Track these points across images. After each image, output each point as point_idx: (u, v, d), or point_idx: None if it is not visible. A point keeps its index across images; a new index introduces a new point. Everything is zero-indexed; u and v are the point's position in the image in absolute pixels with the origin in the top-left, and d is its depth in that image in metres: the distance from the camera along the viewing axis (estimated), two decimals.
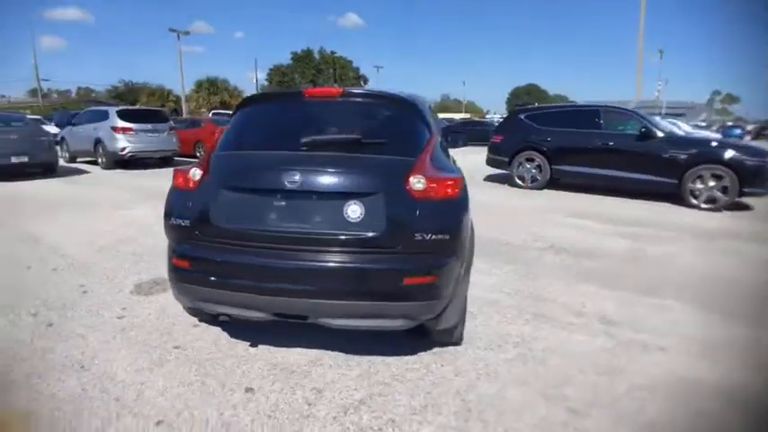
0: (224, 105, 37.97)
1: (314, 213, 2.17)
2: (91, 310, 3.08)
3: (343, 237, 2.11)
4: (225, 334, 2.72)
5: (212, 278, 2.18)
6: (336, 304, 2.09)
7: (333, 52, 58.77)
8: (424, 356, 2.53)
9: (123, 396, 2.13)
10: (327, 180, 2.15)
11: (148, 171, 11.07)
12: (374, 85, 53.59)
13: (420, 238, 2.11)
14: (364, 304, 2.08)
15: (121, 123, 10.91)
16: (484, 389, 2.24)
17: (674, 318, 3.09)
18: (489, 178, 10.10)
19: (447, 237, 2.17)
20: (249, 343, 2.63)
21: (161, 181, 6.85)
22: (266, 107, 2.69)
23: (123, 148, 10.83)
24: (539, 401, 2.14)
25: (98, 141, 11.20)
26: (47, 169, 9.89)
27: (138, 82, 45.23)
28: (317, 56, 57.66)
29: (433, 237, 2.13)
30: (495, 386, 2.26)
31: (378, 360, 2.48)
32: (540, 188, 8.74)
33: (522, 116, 9.23)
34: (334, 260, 2.10)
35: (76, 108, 24.29)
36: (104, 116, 11.36)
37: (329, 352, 2.54)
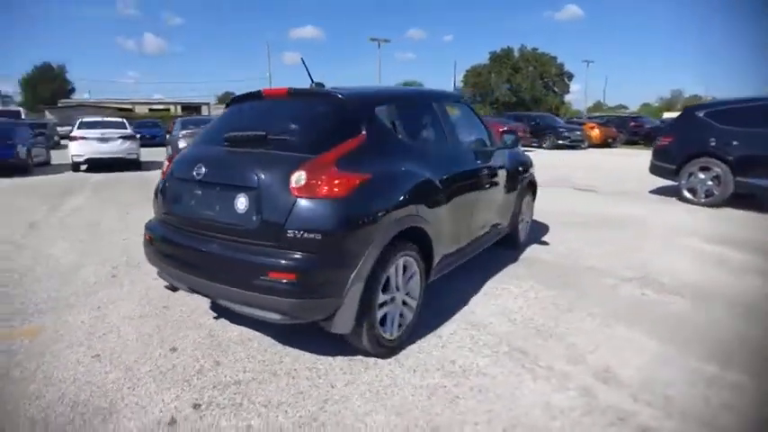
0: None
1: (216, 203, 2.35)
2: None
3: (230, 226, 2.25)
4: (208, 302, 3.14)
5: (160, 252, 2.61)
6: (220, 288, 2.25)
7: (534, 49, 55.72)
8: (338, 362, 2.43)
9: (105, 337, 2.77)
10: (223, 173, 2.32)
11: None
12: (579, 80, 48.46)
13: (291, 235, 2.08)
14: (238, 292, 2.17)
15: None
16: (336, 408, 2.05)
17: None
18: (660, 190, 8.18)
19: (318, 236, 2.06)
20: (216, 315, 3.00)
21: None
22: (237, 107, 2.97)
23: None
24: None
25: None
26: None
27: None
28: (516, 54, 55.59)
29: (305, 235, 2.07)
30: (348, 407, 2.05)
31: (300, 354, 2.50)
32: (716, 205, 6.70)
33: (701, 113, 7.14)
34: (221, 247, 2.26)
35: None
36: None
37: (267, 338, 2.68)
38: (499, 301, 3.27)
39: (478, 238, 3.54)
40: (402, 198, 2.43)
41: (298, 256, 2.09)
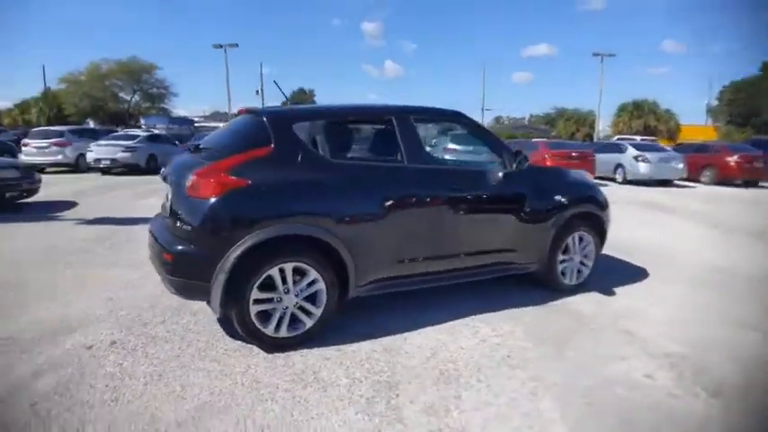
0: (647, 130, 34.79)
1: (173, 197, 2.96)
2: None
3: (165, 215, 2.85)
4: None
5: None
6: (155, 263, 2.85)
7: None
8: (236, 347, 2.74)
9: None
10: (170, 173, 2.91)
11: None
12: None
13: (179, 225, 2.55)
14: (157, 266, 2.75)
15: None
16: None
17: None
18: None
19: (189, 228, 2.46)
20: None
21: None
22: (230, 121, 3.55)
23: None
24: None
25: None
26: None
27: (568, 108, 48.08)
28: None
29: (183, 226, 2.52)
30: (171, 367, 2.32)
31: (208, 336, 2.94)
32: None
33: None
34: (159, 229, 2.87)
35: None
36: None
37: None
38: (450, 337, 2.93)
39: (462, 268, 3.25)
40: (290, 208, 2.61)
41: (178, 242, 2.53)
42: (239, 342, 2.74)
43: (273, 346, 2.67)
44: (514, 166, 3.36)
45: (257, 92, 33.65)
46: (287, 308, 2.66)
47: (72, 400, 2.15)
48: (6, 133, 19.65)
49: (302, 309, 2.71)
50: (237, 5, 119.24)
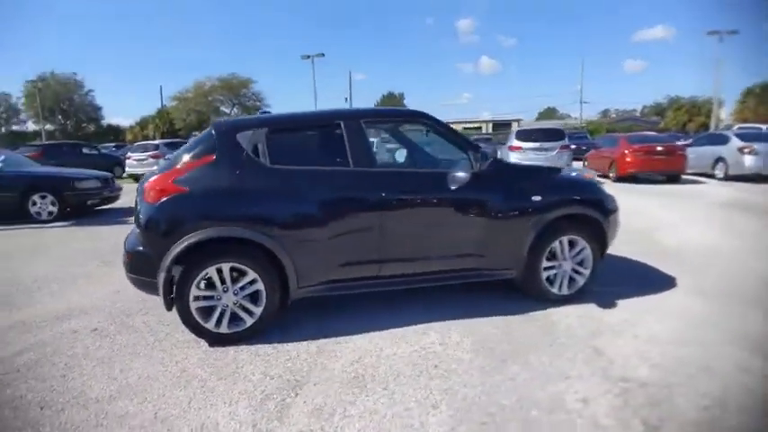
0: None
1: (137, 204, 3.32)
2: None
3: None
4: None
5: None
6: None
7: None
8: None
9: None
10: (140, 183, 3.23)
11: None
12: None
13: (137, 228, 2.89)
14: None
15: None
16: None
17: None
18: None
19: (138, 230, 2.79)
20: None
21: None
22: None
23: None
24: None
25: None
26: None
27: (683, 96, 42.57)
28: None
29: (137, 228, 2.87)
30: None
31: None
32: None
33: None
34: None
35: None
36: None
37: None
38: (390, 343, 2.88)
39: (421, 273, 3.18)
40: (226, 212, 2.80)
41: (135, 244, 2.88)
42: (194, 336, 3.00)
43: (216, 340, 2.88)
44: (479, 166, 3.17)
45: (346, 99, 35.39)
46: (227, 305, 2.85)
47: (32, 373, 2.58)
48: (123, 148, 23.24)
49: (243, 307, 2.88)
50: (326, 15, 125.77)
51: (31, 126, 45.55)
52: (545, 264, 3.39)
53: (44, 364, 2.69)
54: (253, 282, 2.86)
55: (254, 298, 2.90)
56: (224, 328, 2.86)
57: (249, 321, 2.90)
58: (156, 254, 2.76)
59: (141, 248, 2.84)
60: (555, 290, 3.46)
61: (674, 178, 11.66)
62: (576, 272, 3.49)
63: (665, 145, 11.69)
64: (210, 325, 2.84)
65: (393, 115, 3.52)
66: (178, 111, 40.57)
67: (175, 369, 2.60)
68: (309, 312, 3.31)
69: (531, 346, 2.82)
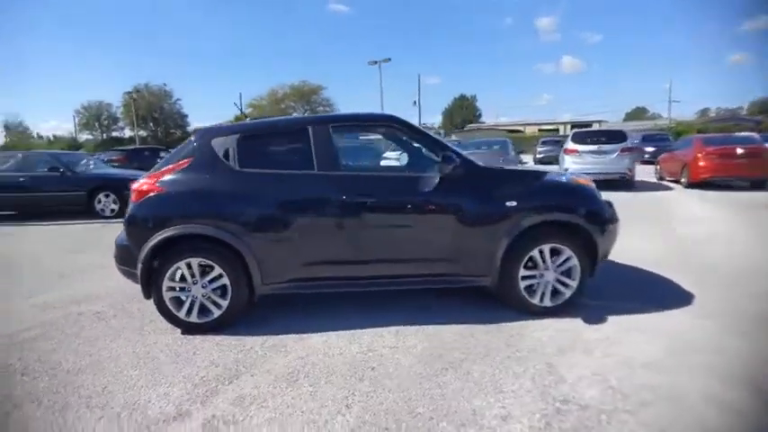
0: None
1: None
2: None
3: None
4: None
5: None
6: None
7: None
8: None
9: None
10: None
11: None
12: None
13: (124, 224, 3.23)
14: None
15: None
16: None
17: None
18: None
19: (123, 227, 3.10)
20: None
21: None
22: None
23: None
24: None
25: None
26: None
27: None
28: None
29: (124, 224, 3.17)
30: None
31: None
32: None
33: None
34: None
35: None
36: None
37: None
38: (345, 342, 2.93)
39: (389, 275, 3.21)
40: (196, 211, 3.04)
41: (122, 237, 3.21)
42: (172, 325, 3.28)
43: (188, 328, 3.12)
44: (448, 169, 3.11)
45: (414, 102, 35.61)
46: (196, 297, 3.08)
47: (29, 345, 3.01)
48: None
49: (212, 300, 3.10)
50: (401, 18, 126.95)
51: (127, 132, 51.66)
52: (523, 272, 3.22)
53: (42, 340, 3.10)
54: (219, 276, 3.06)
55: (221, 292, 3.10)
56: (194, 318, 3.10)
57: (216, 313, 3.10)
58: (136, 247, 3.07)
59: (125, 242, 3.17)
60: (535, 301, 3.26)
61: (759, 184, 10.24)
62: (562, 283, 3.27)
63: (747, 147, 10.28)
64: (182, 314, 3.09)
65: (361, 120, 3.54)
66: (253, 117, 43.50)
67: (141, 351, 2.88)
68: (280, 310, 3.45)
69: (484, 356, 2.70)
